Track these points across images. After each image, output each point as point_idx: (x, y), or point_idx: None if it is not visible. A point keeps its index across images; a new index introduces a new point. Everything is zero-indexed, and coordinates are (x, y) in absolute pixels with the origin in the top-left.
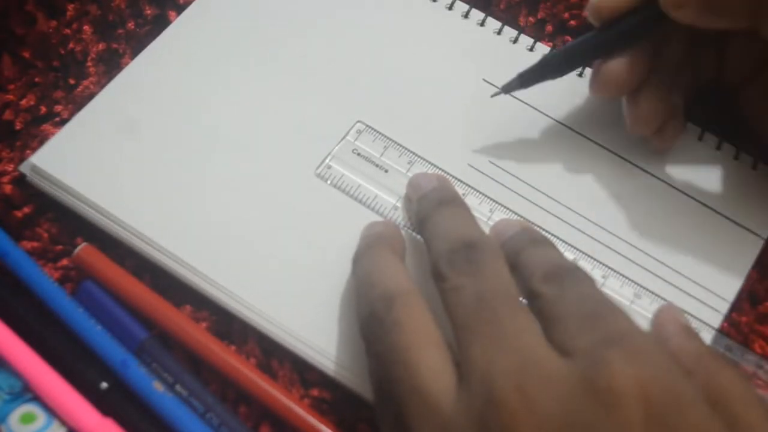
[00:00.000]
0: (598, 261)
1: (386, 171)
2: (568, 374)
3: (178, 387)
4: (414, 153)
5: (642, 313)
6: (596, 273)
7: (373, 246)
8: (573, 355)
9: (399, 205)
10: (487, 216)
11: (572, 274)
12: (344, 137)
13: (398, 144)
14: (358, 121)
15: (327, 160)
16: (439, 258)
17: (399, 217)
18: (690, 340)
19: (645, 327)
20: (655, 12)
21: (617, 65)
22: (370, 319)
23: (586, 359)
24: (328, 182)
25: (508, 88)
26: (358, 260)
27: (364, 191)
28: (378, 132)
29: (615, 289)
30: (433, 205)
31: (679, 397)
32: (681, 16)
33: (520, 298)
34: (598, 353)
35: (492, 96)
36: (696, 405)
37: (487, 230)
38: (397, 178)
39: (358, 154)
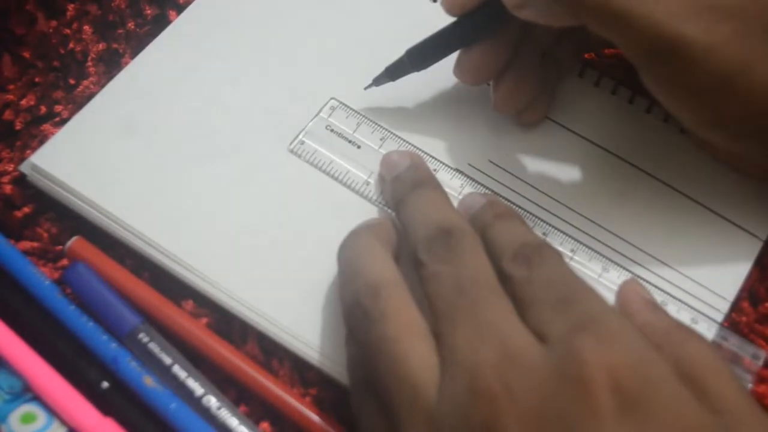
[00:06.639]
0: (567, 234)
1: (359, 147)
2: (545, 363)
3: (175, 368)
4: (387, 129)
5: (609, 286)
6: (565, 248)
7: (357, 233)
8: (548, 342)
9: (371, 180)
10: (458, 191)
11: (539, 252)
12: (318, 114)
13: (371, 120)
14: (332, 98)
15: (300, 136)
16: (417, 245)
17: (371, 192)
18: (656, 314)
19: (613, 301)
20: (501, 8)
21: (474, 56)
22: (354, 309)
23: (559, 347)
24: (301, 158)
25: (378, 81)
26: (342, 247)
27: (337, 166)
28: (351, 109)
29: (583, 263)
30: (407, 187)
31: (649, 378)
32: (523, 15)
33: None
34: (569, 341)
35: (365, 88)
36: (667, 384)
37: (456, 204)
38: (369, 153)
39: (332, 131)
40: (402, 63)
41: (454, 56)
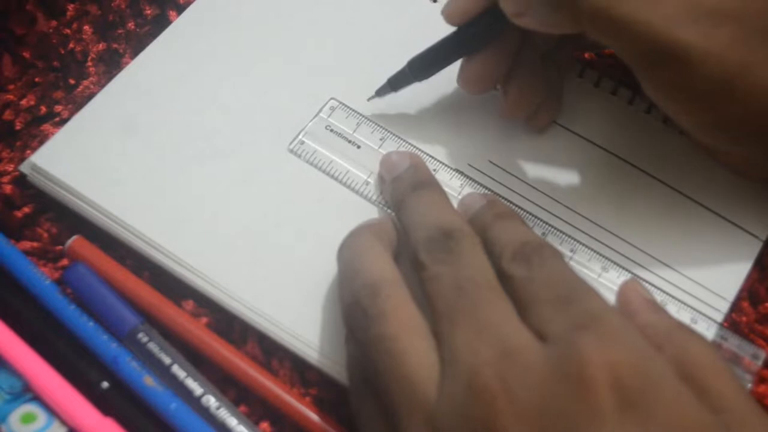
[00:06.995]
0: (566, 235)
1: (358, 147)
2: (545, 362)
3: (174, 368)
4: (386, 129)
5: (609, 286)
6: (564, 248)
7: (357, 233)
8: (548, 340)
9: (371, 180)
10: (457, 191)
11: (539, 252)
12: (318, 114)
13: (371, 121)
14: (332, 98)
15: (300, 136)
16: (417, 246)
17: (371, 192)
18: (657, 314)
19: (613, 301)
20: (501, 16)
21: (476, 65)
22: (353, 307)
23: (560, 346)
24: (301, 158)
25: (381, 92)
26: (342, 247)
27: (336, 166)
28: (351, 109)
29: (583, 263)
30: (407, 188)
31: (649, 377)
32: (523, 23)
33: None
34: (570, 340)
35: (368, 100)
36: (668, 382)
37: (456, 204)
38: (369, 153)
39: (331, 131)
40: (404, 73)
41: None
